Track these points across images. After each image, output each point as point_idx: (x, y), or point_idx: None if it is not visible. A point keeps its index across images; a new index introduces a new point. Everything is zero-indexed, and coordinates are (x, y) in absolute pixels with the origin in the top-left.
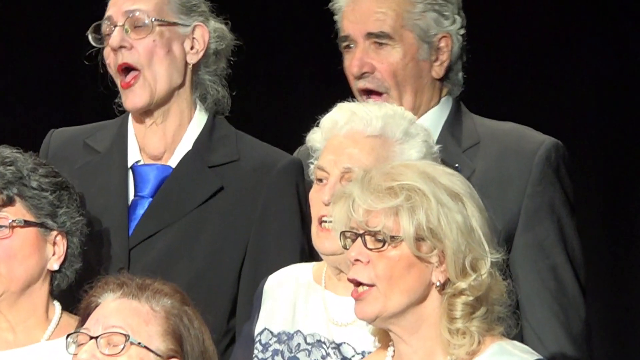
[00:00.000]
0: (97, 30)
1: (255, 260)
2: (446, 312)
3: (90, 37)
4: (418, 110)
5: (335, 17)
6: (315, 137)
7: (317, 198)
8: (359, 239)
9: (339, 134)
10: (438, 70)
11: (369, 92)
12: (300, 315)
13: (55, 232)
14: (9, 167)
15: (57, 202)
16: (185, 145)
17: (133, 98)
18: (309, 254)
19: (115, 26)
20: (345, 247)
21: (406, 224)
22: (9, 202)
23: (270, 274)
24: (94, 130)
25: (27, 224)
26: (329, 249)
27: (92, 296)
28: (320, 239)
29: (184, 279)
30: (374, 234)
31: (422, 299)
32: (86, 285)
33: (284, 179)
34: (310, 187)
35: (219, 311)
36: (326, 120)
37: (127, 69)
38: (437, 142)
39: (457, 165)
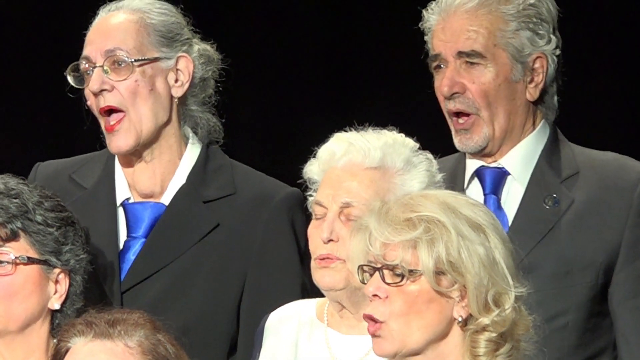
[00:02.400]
0: (76, 69)
1: (254, 297)
2: (469, 349)
3: (69, 78)
4: (511, 133)
5: (426, 37)
6: (312, 169)
7: (315, 234)
8: (377, 273)
9: (336, 166)
10: (532, 92)
11: (458, 114)
12: (302, 355)
13: (58, 270)
14: (14, 200)
15: (62, 238)
16: (179, 180)
17: (117, 141)
18: (310, 291)
19: (94, 67)
20: (363, 282)
21: (425, 258)
22: (13, 236)
23: (270, 310)
24: (80, 164)
25: (30, 260)
26: (328, 284)
27: (61, 341)
28: (320, 274)
29: (181, 320)
30: (392, 268)
31: (444, 335)
32: (62, 322)
33: (282, 213)
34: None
35: (218, 350)
36: (323, 151)
37: (110, 110)
38: (535, 171)
39: (554, 195)
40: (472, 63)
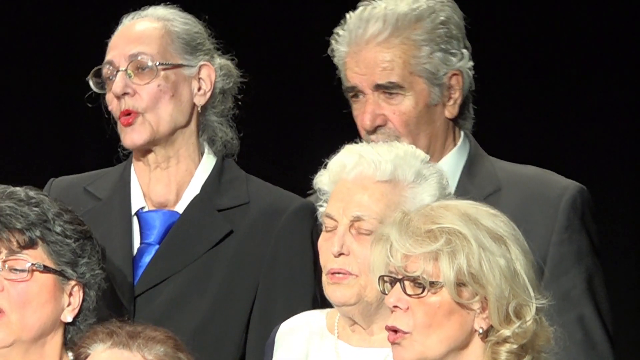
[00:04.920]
0: (98, 74)
1: (265, 306)
2: None
3: (91, 82)
4: (433, 154)
5: (336, 62)
6: (322, 180)
7: (326, 247)
8: (398, 284)
9: (346, 178)
10: (452, 110)
11: None
12: None
13: (73, 282)
14: (34, 208)
15: (80, 251)
16: (193, 190)
17: (132, 134)
18: (321, 302)
19: (118, 71)
20: (384, 292)
21: (446, 269)
22: (31, 244)
23: (280, 320)
24: (95, 177)
25: (46, 269)
26: (340, 299)
27: (81, 347)
28: (332, 289)
29: (191, 327)
30: (413, 280)
31: (464, 346)
32: (75, 336)
33: (295, 224)
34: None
35: (227, 358)
36: (334, 163)
37: (130, 114)
38: (457, 188)
39: None
40: (390, 93)
